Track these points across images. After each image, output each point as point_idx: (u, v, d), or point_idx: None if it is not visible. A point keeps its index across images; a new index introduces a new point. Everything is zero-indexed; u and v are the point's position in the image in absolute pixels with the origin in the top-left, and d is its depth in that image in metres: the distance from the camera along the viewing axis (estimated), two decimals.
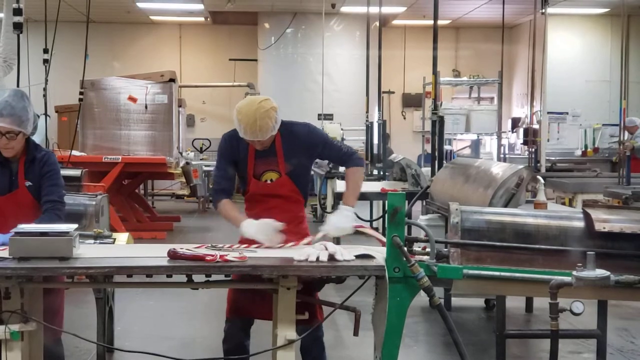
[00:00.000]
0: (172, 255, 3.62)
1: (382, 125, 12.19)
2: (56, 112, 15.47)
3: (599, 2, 15.43)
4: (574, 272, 3.34)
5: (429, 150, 9.50)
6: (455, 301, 6.99)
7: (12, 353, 3.51)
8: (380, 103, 12.98)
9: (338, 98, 15.86)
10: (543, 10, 11.53)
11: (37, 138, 4.54)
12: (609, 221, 3.61)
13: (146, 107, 11.44)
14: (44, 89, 8.47)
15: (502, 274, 3.50)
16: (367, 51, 13.54)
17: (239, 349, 4.25)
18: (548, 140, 13.40)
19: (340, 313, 4.19)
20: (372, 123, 12.72)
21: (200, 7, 16.10)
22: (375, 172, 11.58)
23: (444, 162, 8.22)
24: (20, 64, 6.82)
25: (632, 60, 12.57)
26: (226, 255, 3.60)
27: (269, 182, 4.30)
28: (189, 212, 14.50)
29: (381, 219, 10.21)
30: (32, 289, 3.67)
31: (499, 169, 5.83)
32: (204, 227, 12.80)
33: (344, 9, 15.78)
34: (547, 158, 12.27)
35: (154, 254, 3.75)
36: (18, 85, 6.37)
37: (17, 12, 6.48)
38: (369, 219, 10.11)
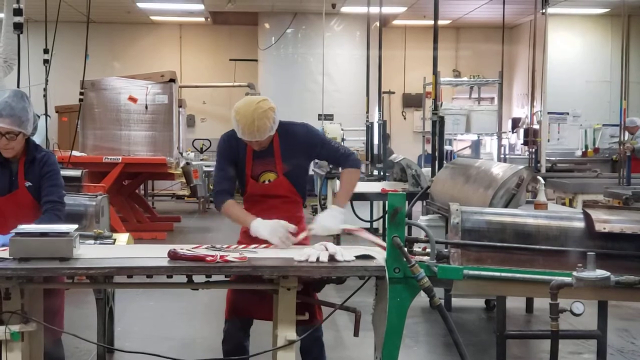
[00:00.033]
0: (173, 255, 3.62)
1: (383, 125, 12.16)
2: (56, 112, 15.46)
3: (599, 2, 15.42)
4: (574, 273, 3.34)
5: (429, 151, 9.49)
6: (456, 302, 6.98)
7: (13, 354, 3.51)
8: (380, 103, 12.96)
9: (338, 98, 15.86)
10: (543, 11, 11.54)
11: (38, 138, 4.54)
12: (609, 222, 3.60)
13: (146, 107, 11.43)
14: (44, 89, 8.45)
15: (503, 274, 3.50)
16: (368, 51, 13.51)
17: (239, 349, 4.25)
18: (548, 141, 13.42)
19: (340, 313, 4.19)
20: (372, 123, 12.71)
21: (201, 7, 16.10)
22: (375, 172, 11.56)
23: (444, 162, 8.21)
24: (20, 64, 6.81)
25: (633, 60, 12.54)
26: (226, 255, 3.60)
27: (266, 182, 4.30)
28: (189, 213, 14.49)
29: (381, 220, 10.22)
30: (33, 290, 3.67)
31: (499, 170, 5.82)
32: (204, 227, 12.80)
33: (344, 9, 15.78)
34: (548, 158, 12.28)
35: (154, 254, 3.75)
36: (18, 86, 6.36)
37: (18, 12, 6.47)
38: (369, 219, 10.14)
